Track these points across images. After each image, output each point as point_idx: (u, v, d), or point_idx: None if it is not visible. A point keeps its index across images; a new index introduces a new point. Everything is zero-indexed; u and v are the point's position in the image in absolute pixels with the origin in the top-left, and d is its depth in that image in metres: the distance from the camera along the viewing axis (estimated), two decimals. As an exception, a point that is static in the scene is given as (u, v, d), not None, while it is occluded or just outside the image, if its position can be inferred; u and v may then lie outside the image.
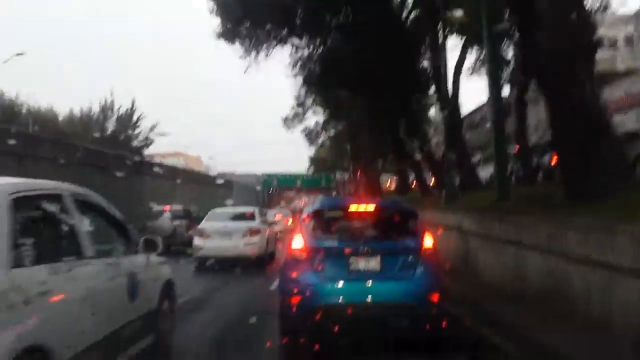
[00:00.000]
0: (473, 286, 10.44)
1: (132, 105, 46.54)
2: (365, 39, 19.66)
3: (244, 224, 15.01)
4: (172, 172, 32.22)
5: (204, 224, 15.42)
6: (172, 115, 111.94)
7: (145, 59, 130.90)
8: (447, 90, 18.26)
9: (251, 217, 15.85)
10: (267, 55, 25.10)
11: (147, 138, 48.09)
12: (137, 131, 47.36)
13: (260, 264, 14.35)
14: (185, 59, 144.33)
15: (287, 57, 24.90)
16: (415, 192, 30.31)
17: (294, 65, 28.23)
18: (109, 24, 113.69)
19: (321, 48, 23.18)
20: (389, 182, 45.19)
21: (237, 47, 22.66)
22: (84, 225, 4.43)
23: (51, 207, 4.09)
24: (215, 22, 21.93)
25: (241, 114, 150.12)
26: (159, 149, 60.25)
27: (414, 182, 33.71)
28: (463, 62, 20.44)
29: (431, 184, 26.99)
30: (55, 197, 4.19)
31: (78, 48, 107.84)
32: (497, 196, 11.28)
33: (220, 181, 33.84)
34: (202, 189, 36.53)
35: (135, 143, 47.33)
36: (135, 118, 46.94)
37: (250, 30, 22.17)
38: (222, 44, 21.92)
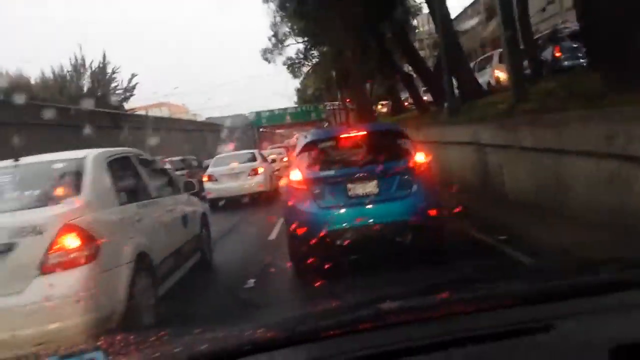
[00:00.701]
0: (496, 206, 8.87)
1: (104, 58, 43.54)
2: None
3: (247, 165, 16.08)
4: (155, 122, 29.69)
5: (211, 169, 16.27)
6: (151, 66, 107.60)
7: (112, 8, 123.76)
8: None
9: (252, 158, 16.91)
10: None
11: (126, 90, 45.46)
12: (113, 84, 44.60)
13: (266, 201, 15.10)
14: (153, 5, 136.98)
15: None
16: (410, 111, 28.53)
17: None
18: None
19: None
20: (381, 106, 43.04)
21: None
22: (147, 174, 5.96)
23: (127, 165, 5.62)
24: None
25: (222, 56, 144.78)
26: (141, 102, 57.81)
27: (405, 101, 31.82)
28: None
29: (426, 100, 25.17)
30: (126, 158, 5.70)
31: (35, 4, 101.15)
32: (513, 98, 9.46)
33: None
34: (190, 136, 34.41)
35: (114, 98, 44.77)
36: (109, 71, 43.99)
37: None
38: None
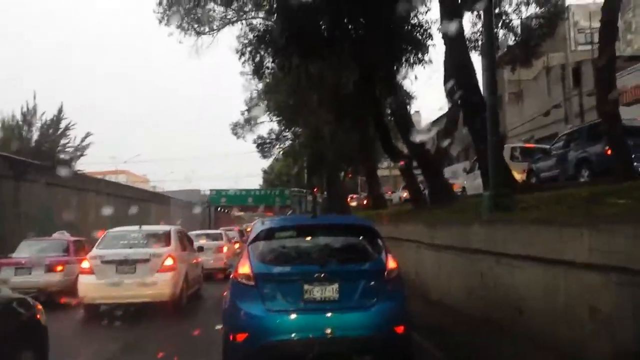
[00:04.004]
0: None
1: (60, 111, 37.67)
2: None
3: (214, 243, 17.45)
4: (80, 182, 22.69)
5: None
6: (115, 130, 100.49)
7: (78, 65, 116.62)
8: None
9: (219, 237, 18.65)
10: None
11: (77, 149, 39.29)
12: (64, 141, 38.49)
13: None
14: (125, 67, 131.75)
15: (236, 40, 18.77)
16: (388, 206, 23.17)
17: (244, 52, 21.17)
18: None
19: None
20: (350, 199, 37.76)
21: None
22: (186, 239, 11.87)
23: (182, 233, 11.73)
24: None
25: (191, 128, 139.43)
26: (100, 166, 51.70)
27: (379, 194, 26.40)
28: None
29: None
30: (181, 231, 12.07)
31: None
32: None
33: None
34: (128, 204, 27.78)
35: (63, 155, 38.62)
36: (62, 126, 38.01)
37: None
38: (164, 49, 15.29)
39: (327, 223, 6.08)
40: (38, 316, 5.02)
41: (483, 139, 11.50)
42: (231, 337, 5.06)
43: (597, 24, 33.87)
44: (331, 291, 5.01)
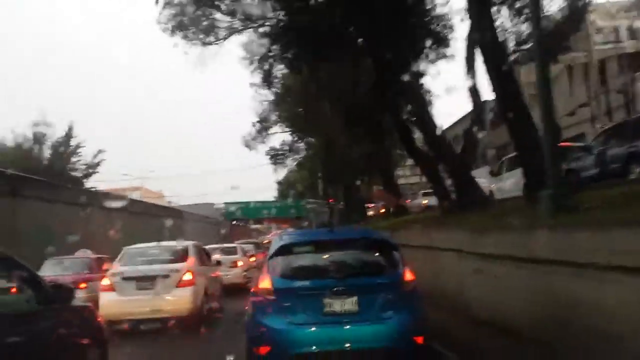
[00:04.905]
0: None
1: (70, 129, 36.92)
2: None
3: (229, 257, 16.98)
4: (86, 198, 21.08)
5: None
6: (128, 147, 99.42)
7: (85, 85, 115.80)
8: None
9: (234, 251, 18.25)
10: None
11: (89, 166, 38.49)
12: (75, 159, 37.74)
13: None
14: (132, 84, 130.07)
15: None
16: (410, 213, 21.73)
17: (252, 60, 20.17)
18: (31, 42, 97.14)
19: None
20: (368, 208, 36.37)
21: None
22: (204, 254, 11.95)
23: (200, 248, 11.72)
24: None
25: (205, 142, 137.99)
26: (116, 185, 50.95)
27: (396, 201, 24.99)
28: None
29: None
30: (200, 246, 11.91)
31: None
32: None
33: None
34: (138, 221, 26.57)
35: (75, 173, 37.87)
36: (73, 144, 37.30)
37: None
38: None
39: (344, 237, 6.13)
40: (98, 318, 6.00)
41: (524, 134, 10.26)
42: (255, 351, 5.15)
43: (617, 23, 32.08)
44: (350, 304, 5.08)
